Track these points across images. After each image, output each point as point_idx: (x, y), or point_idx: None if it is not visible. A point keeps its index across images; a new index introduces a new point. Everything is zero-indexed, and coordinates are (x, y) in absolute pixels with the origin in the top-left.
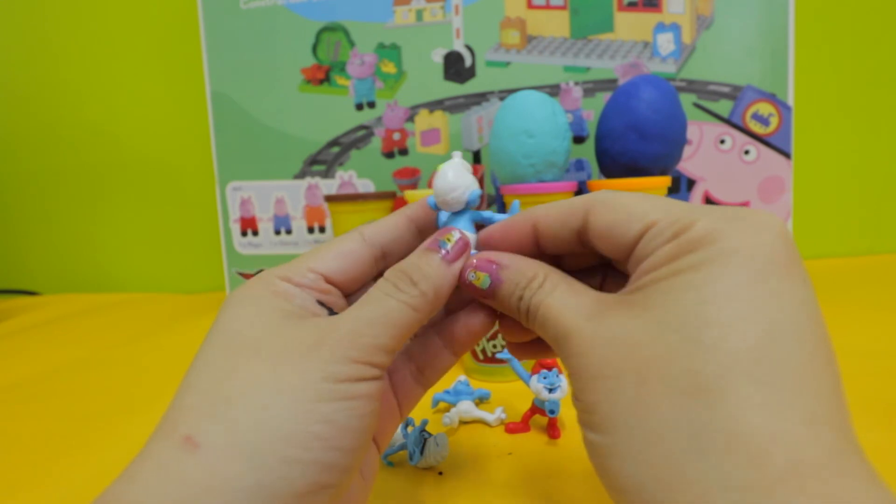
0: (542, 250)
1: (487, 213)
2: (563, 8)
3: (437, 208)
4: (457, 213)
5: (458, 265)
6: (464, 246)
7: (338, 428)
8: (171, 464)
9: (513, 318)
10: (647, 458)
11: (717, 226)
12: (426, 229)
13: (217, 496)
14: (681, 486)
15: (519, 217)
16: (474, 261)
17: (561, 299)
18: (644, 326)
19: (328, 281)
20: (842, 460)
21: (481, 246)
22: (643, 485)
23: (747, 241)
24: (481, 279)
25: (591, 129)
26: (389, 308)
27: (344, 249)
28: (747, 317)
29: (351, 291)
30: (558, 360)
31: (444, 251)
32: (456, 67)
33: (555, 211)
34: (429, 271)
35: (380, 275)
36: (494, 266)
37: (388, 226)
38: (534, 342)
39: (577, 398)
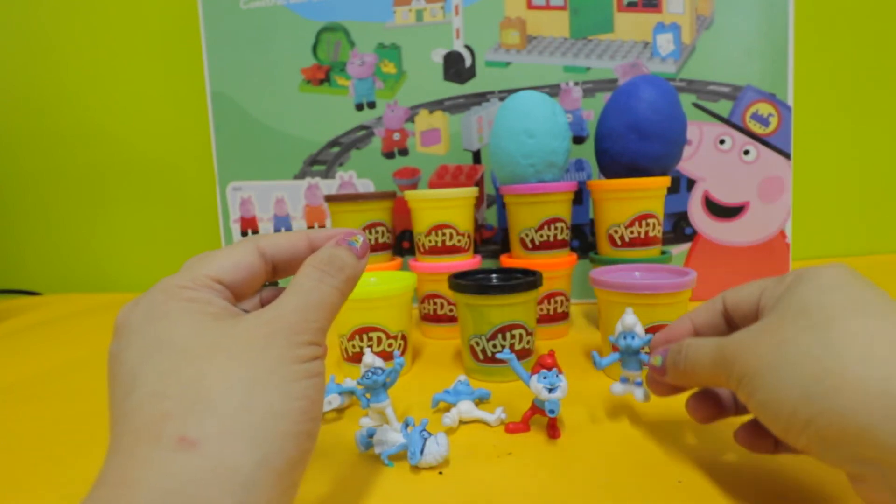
0: (699, 335)
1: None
2: (563, 8)
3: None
4: (631, 354)
5: (365, 261)
6: (367, 246)
7: (311, 401)
8: (172, 465)
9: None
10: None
11: (803, 270)
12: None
13: (222, 478)
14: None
15: (680, 321)
16: (660, 349)
17: (699, 340)
18: (778, 322)
19: (225, 287)
20: None
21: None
22: (783, 399)
23: (826, 269)
24: (658, 360)
25: (591, 129)
26: (325, 293)
27: (242, 262)
28: (833, 298)
29: (243, 297)
30: (558, 361)
31: (354, 248)
32: (456, 67)
33: (702, 309)
34: (350, 260)
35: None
36: (664, 349)
37: (288, 245)
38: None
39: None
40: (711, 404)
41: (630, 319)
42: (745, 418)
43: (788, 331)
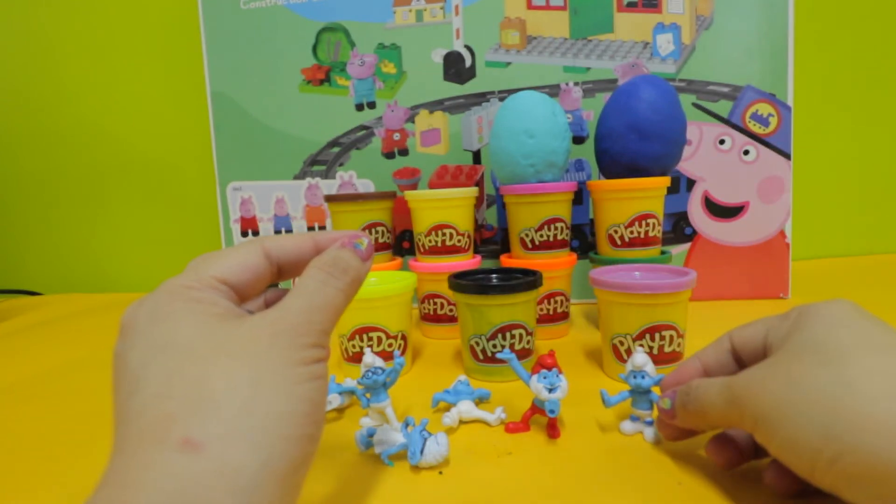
0: (709, 375)
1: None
2: (563, 8)
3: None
4: (641, 393)
5: (369, 263)
6: (372, 249)
7: (314, 404)
8: (175, 466)
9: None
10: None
11: (807, 306)
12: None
13: (226, 480)
14: (817, 430)
15: (688, 362)
16: (668, 392)
17: (708, 380)
18: (788, 358)
19: (230, 288)
20: None
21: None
22: (796, 434)
23: (832, 305)
24: (667, 403)
25: (591, 129)
26: (329, 295)
27: (248, 263)
28: (843, 335)
29: (247, 299)
30: (558, 361)
31: (359, 250)
32: (456, 67)
33: (710, 349)
34: (354, 263)
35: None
36: (673, 392)
37: (293, 247)
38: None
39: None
40: (731, 448)
41: (640, 359)
42: (769, 460)
43: (800, 367)
